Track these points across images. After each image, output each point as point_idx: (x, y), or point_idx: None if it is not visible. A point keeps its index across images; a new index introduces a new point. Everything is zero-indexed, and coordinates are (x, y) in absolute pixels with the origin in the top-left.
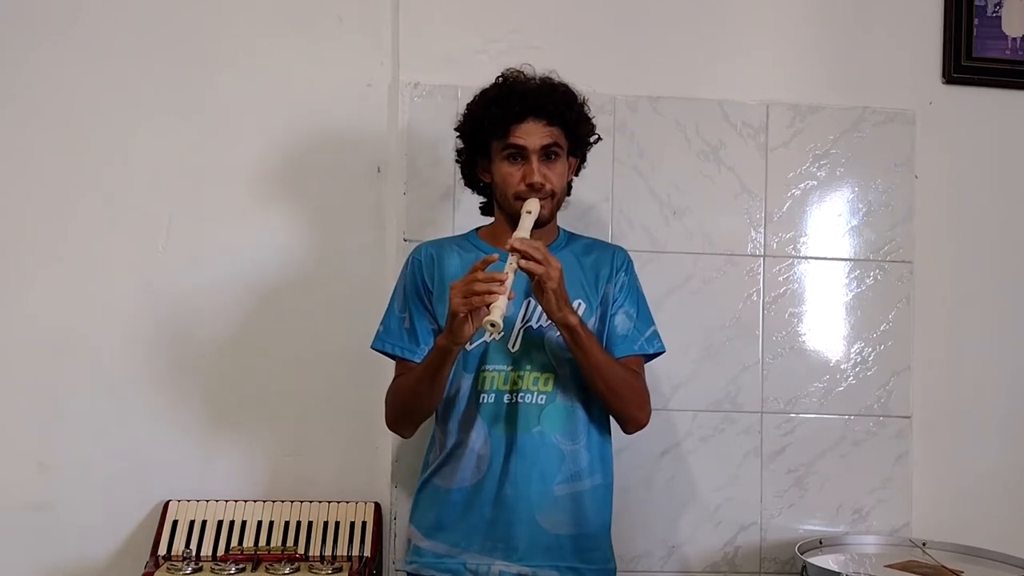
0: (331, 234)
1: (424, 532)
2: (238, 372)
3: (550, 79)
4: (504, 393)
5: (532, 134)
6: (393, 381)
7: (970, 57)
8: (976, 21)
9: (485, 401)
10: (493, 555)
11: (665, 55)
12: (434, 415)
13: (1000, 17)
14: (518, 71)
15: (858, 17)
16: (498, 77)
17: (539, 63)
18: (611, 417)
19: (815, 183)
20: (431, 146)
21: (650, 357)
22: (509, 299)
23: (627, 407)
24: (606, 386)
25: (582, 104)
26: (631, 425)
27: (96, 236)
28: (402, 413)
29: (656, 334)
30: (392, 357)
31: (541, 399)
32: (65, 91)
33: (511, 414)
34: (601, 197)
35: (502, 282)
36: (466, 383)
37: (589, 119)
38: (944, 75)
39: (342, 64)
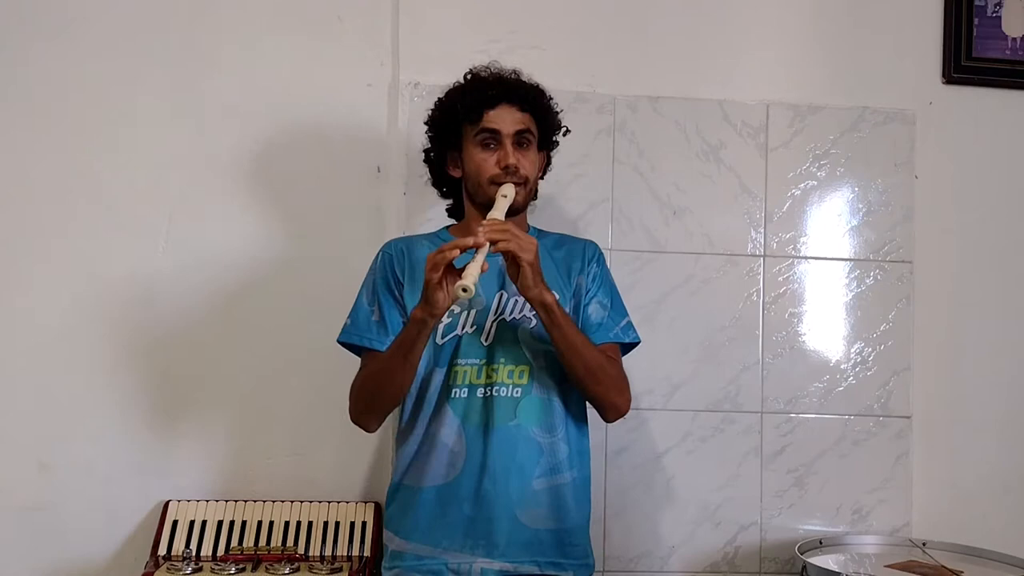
0: (331, 234)
1: (403, 536)
2: (238, 372)
3: (518, 73)
4: (478, 387)
5: (505, 118)
6: (358, 372)
7: (970, 57)
8: (976, 21)
9: (457, 396)
10: (475, 553)
11: (665, 55)
12: (401, 415)
13: (1000, 17)
14: (485, 66)
15: (858, 17)
16: (466, 73)
17: (539, 63)
18: (590, 408)
19: (815, 183)
20: None
21: (626, 348)
22: (483, 271)
23: (606, 391)
24: (584, 367)
25: (549, 98)
26: (611, 411)
27: (95, 235)
28: (371, 399)
29: (630, 325)
30: (359, 350)
31: (516, 392)
32: (64, 91)
33: (486, 408)
34: (601, 197)
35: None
36: (437, 378)
37: (556, 113)
38: (944, 75)
39: (342, 64)
